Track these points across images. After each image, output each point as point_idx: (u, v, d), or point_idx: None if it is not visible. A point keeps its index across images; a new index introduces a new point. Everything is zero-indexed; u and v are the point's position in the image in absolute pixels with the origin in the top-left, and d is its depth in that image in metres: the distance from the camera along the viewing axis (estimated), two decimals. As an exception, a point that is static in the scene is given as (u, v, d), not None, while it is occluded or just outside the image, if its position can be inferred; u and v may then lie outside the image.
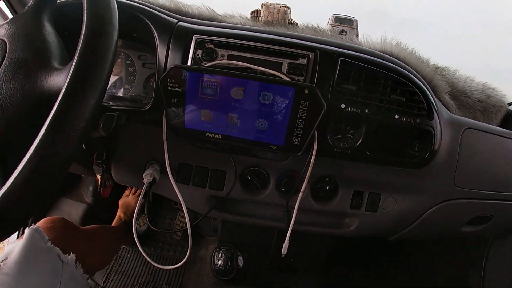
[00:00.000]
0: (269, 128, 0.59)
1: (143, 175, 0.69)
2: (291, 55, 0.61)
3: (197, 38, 0.62)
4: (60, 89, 0.43)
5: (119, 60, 0.80)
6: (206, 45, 0.62)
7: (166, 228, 1.20)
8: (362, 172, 0.72)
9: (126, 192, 1.29)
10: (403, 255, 1.24)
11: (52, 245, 0.66)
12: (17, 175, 0.39)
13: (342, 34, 0.76)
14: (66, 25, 0.65)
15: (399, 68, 0.66)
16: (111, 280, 1.12)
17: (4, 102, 0.46)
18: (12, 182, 0.39)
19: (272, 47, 0.61)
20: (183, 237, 1.15)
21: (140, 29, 0.69)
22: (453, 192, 0.78)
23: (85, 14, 0.44)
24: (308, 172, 0.63)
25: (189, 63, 0.62)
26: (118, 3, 0.66)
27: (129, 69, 0.80)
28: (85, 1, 0.45)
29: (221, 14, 0.75)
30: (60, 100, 0.40)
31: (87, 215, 1.18)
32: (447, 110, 0.75)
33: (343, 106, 0.61)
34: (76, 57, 0.42)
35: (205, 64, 0.62)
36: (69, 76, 0.41)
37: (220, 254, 0.76)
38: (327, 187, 0.71)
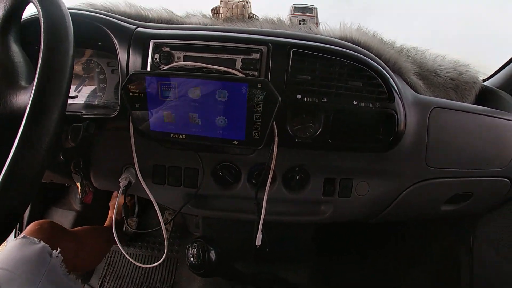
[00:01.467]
0: (229, 124, 0.60)
1: (120, 179, 0.71)
2: (244, 50, 0.62)
3: (154, 43, 0.64)
4: (26, 107, 0.45)
5: (90, 68, 0.82)
6: (163, 48, 0.63)
7: (155, 228, 1.23)
8: (331, 159, 0.72)
9: (114, 193, 1.31)
10: (393, 238, 1.25)
11: (42, 242, 0.69)
12: None
13: (303, 23, 0.76)
14: (34, 40, 0.67)
15: (355, 53, 0.65)
16: (107, 284, 1.16)
17: None
18: None
19: (226, 45, 0.62)
20: (172, 235, 1.18)
21: (102, 38, 0.70)
22: (427, 173, 0.78)
23: (42, 32, 0.46)
24: (272, 164, 0.64)
25: (148, 68, 0.64)
26: (76, 15, 0.68)
27: (100, 76, 0.81)
28: (41, 20, 0.47)
29: (181, 15, 0.76)
30: (26, 117, 0.42)
31: (78, 223, 1.21)
32: (413, 91, 0.74)
33: (298, 96, 0.62)
34: (36, 76, 0.44)
35: (163, 67, 0.63)
36: (31, 95, 0.43)
37: (192, 249, 0.78)
38: (298, 177, 0.73)
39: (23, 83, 0.51)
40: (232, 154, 0.72)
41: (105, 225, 1.18)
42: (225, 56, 0.62)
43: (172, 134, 0.63)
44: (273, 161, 0.63)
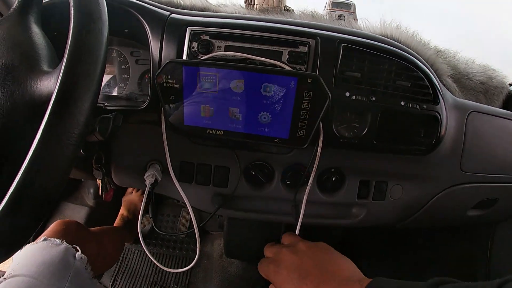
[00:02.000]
0: (272, 121, 0.56)
1: (145, 177, 0.66)
2: (291, 43, 0.58)
3: (191, 30, 0.59)
4: (50, 94, 0.39)
5: (111, 58, 0.76)
6: (201, 36, 0.58)
7: (170, 226, 1.17)
8: (368, 161, 0.69)
9: (129, 189, 1.26)
10: (407, 242, 1.23)
11: (65, 243, 0.63)
12: (11, 194, 0.35)
13: (341, 19, 0.72)
14: (55, 26, 0.61)
15: (403, 52, 0.63)
16: (119, 282, 1.10)
17: None
18: (6, 202, 0.35)
19: (271, 36, 0.58)
20: (188, 234, 1.12)
21: (131, 25, 0.65)
22: (460, 177, 0.75)
23: (72, 11, 0.41)
24: (315, 165, 0.60)
25: (184, 57, 0.59)
26: None
27: (122, 66, 0.76)
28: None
29: (214, 4, 0.71)
30: (52, 105, 0.36)
31: (90, 218, 1.14)
32: (450, 94, 0.72)
33: (347, 94, 0.58)
34: (65, 58, 0.38)
35: (202, 57, 0.58)
36: (59, 79, 0.37)
37: None
38: (333, 178, 0.69)
39: (45, 67, 0.45)
40: (266, 152, 0.67)
41: (116, 222, 1.13)
42: (271, 47, 0.57)
43: (208, 130, 0.58)
44: (316, 162, 0.59)
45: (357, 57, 0.59)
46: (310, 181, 0.62)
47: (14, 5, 0.48)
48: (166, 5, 0.67)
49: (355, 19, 0.75)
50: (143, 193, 1.24)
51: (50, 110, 0.36)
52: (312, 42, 0.58)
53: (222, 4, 0.72)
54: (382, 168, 0.71)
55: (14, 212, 0.36)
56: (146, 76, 0.75)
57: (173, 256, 1.13)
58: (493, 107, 0.80)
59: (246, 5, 0.76)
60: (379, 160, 0.69)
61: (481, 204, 0.83)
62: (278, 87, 0.53)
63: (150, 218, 0.71)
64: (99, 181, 0.72)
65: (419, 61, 0.64)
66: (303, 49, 0.57)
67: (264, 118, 0.56)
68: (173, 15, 0.62)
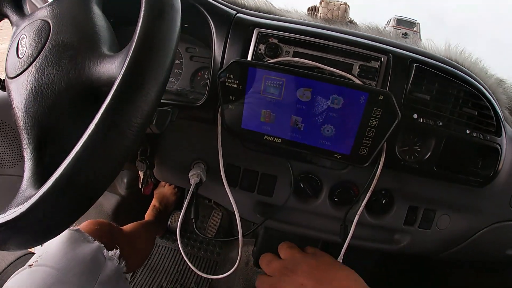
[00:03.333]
0: (336, 135, 0.53)
1: (189, 175, 0.64)
2: (363, 56, 0.55)
3: (259, 32, 0.56)
4: (110, 79, 0.37)
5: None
6: (270, 39, 0.56)
7: (199, 226, 1.14)
8: (421, 187, 0.65)
9: (162, 182, 1.24)
10: (438, 274, 1.17)
11: (96, 241, 0.61)
12: (60, 175, 0.32)
13: (405, 37, 0.69)
14: (112, 13, 0.59)
15: (472, 80, 0.59)
16: (139, 275, 1.07)
17: (45, 89, 0.40)
18: (49, 187, 0.32)
19: (343, 47, 0.55)
20: (216, 235, 1.08)
21: (194, 20, 0.63)
22: (508, 214, 0.71)
23: None
24: (372, 186, 0.56)
25: (249, 59, 0.57)
26: None
27: (176, 61, 0.74)
28: None
29: (278, 8, 0.69)
30: (115, 90, 0.33)
31: (120, 207, 1.12)
32: (509, 126, 0.68)
33: (415, 116, 0.55)
34: (134, 42, 0.34)
35: (268, 60, 0.56)
36: (126, 63, 0.34)
37: None
38: (383, 201, 0.65)
39: (105, 50, 0.41)
40: (318, 165, 0.64)
41: (147, 214, 1.11)
42: (341, 59, 0.54)
43: (265, 136, 0.55)
44: (374, 183, 0.56)
45: (428, 79, 0.56)
46: (364, 202, 0.58)
47: None
48: (231, 4, 0.65)
49: (419, 39, 0.71)
50: (176, 187, 1.22)
51: (113, 95, 0.33)
52: (384, 58, 0.55)
53: (286, 10, 0.70)
54: (433, 196, 0.67)
55: (56, 198, 0.32)
56: (199, 74, 0.74)
57: (197, 256, 1.10)
58: None
59: (309, 13, 0.73)
60: (432, 187, 0.65)
61: None
62: (347, 100, 0.50)
63: (192, 219, 0.68)
64: (141, 174, 0.70)
65: (486, 90, 0.61)
66: (375, 64, 0.54)
67: (328, 131, 0.53)
68: (239, 15, 0.60)
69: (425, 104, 0.56)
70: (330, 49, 0.55)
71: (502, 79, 0.79)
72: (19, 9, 0.51)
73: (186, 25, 0.70)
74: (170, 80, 0.75)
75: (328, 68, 0.53)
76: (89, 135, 0.32)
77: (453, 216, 0.70)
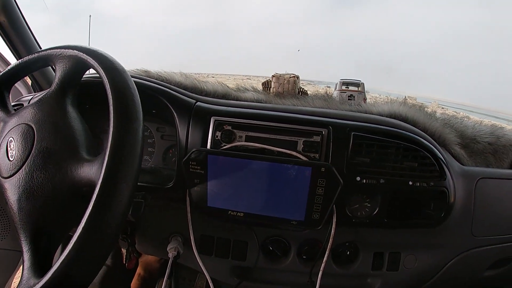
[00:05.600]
0: (289, 205, 0.58)
1: (168, 249, 0.68)
2: (306, 133, 0.61)
3: (215, 120, 0.63)
4: (90, 181, 0.42)
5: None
6: (224, 127, 0.62)
7: None
8: (381, 235, 0.70)
9: None
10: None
11: None
12: (56, 270, 0.38)
13: (351, 99, 0.76)
14: (87, 100, 0.65)
15: (410, 134, 0.65)
16: None
17: (36, 191, 0.45)
18: (51, 276, 0.38)
19: (287, 126, 0.61)
20: None
21: (160, 108, 0.70)
22: (472, 242, 0.74)
23: (111, 110, 0.44)
24: (329, 244, 0.61)
25: (208, 144, 0.63)
26: (138, 84, 0.67)
27: (148, 140, 0.80)
28: (111, 97, 0.44)
29: (234, 89, 0.76)
30: (95, 199, 0.39)
31: (106, 277, 1.13)
32: (458, 162, 0.72)
33: (358, 178, 0.60)
34: (106, 157, 0.41)
35: (224, 145, 0.62)
36: (101, 176, 0.40)
37: None
38: (348, 252, 0.69)
39: (84, 154, 0.47)
40: (283, 229, 0.68)
41: (133, 283, 1.11)
42: (287, 137, 0.61)
43: (229, 211, 0.61)
44: (331, 241, 0.60)
45: (366, 143, 0.62)
46: (325, 258, 0.62)
47: (53, 86, 0.50)
48: (191, 90, 0.72)
49: (364, 99, 0.79)
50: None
51: (94, 203, 0.39)
52: (325, 131, 0.61)
53: (242, 87, 0.77)
54: (394, 241, 0.71)
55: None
56: (170, 151, 0.79)
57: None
58: (501, 170, 0.79)
59: (263, 88, 0.81)
60: (391, 234, 0.69)
61: (497, 264, 0.81)
62: (294, 175, 0.56)
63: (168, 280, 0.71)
64: (123, 251, 0.73)
65: (425, 139, 0.65)
66: (317, 138, 0.60)
67: (281, 202, 0.58)
68: (198, 103, 0.67)
69: (366, 166, 0.61)
70: (276, 129, 0.61)
71: (448, 118, 0.83)
72: (3, 106, 0.56)
73: (154, 111, 0.77)
74: (144, 158, 0.80)
75: (275, 148, 0.59)
76: (78, 237, 0.38)
77: (418, 255, 0.73)
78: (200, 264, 0.64)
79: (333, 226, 0.60)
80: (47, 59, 0.53)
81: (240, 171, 0.58)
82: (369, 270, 0.71)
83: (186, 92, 0.71)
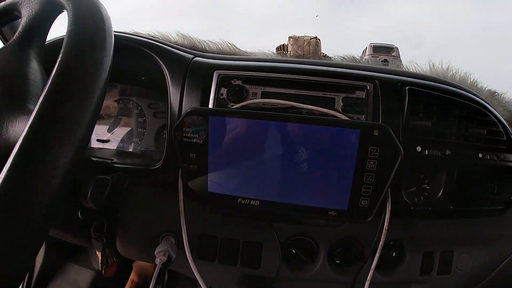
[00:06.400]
0: (326, 189, 0.38)
1: (155, 253, 0.47)
2: (346, 87, 0.42)
3: (219, 74, 0.44)
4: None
5: (127, 109, 0.61)
6: (232, 81, 0.43)
7: None
8: (434, 229, 0.51)
9: None
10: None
11: None
12: None
13: (385, 64, 0.58)
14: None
15: (472, 95, 0.47)
16: None
17: None
18: None
19: (321, 80, 0.42)
20: None
21: (149, 70, 0.51)
22: None
23: (67, 33, 0.28)
24: (381, 242, 0.41)
25: (210, 105, 0.43)
26: (121, 37, 0.49)
27: (139, 119, 0.61)
28: (70, 16, 0.29)
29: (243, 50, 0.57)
30: (10, 163, 0.23)
31: (95, 283, 0.92)
32: None
33: (419, 149, 0.41)
34: (43, 94, 0.25)
35: (233, 105, 0.42)
36: (28, 124, 0.24)
37: None
38: (393, 253, 0.49)
39: (31, 106, 0.32)
40: (310, 225, 0.48)
41: None
42: (320, 93, 0.41)
43: (239, 199, 0.41)
44: (382, 239, 0.40)
45: (425, 102, 0.43)
46: (374, 264, 0.42)
47: (15, 35, 0.37)
48: (190, 49, 0.53)
49: (401, 63, 0.60)
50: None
51: (7, 170, 0.23)
52: (370, 86, 0.42)
53: (252, 52, 0.58)
54: (449, 236, 0.52)
55: None
56: (164, 131, 0.60)
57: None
58: None
59: (278, 53, 0.61)
60: (446, 226, 0.51)
61: None
62: (335, 142, 0.36)
63: None
64: (98, 254, 0.53)
65: (488, 104, 0.49)
66: (361, 94, 0.41)
67: (315, 184, 0.38)
68: (197, 58, 0.48)
69: (427, 132, 0.43)
70: (305, 84, 0.42)
71: (495, 91, 0.69)
72: None
73: (143, 77, 0.57)
74: (133, 141, 0.61)
75: (305, 106, 0.40)
76: None
77: (472, 253, 0.55)
78: (196, 273, 0.44)
79: (387, 217, 0.40)
80: (12, 9, 0.38)
81: (256, 141, 0.38)
82: (417, 275, 0.52)
83: (183, 48, 0.52)
